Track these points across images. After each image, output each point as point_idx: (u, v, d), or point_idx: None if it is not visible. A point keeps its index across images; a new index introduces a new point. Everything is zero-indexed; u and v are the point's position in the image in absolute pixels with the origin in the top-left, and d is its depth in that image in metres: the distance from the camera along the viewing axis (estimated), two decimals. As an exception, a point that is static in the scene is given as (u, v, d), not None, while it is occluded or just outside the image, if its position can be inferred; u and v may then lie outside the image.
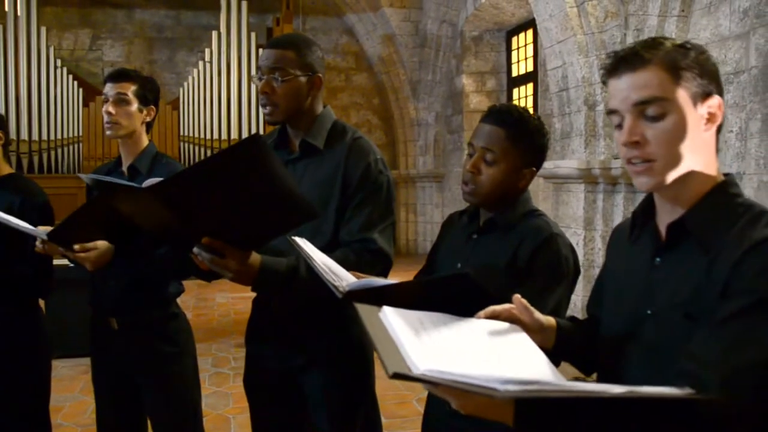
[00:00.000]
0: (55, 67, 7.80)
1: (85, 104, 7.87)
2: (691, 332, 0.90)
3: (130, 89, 1.97)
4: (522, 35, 7.58)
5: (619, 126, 0.98)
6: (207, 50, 8.14)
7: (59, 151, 7.83)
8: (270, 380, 1.72)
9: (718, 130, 0.99)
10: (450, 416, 1.38)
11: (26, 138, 7.68)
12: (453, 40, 8.24)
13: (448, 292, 1.03)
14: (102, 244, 1.78)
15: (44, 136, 7.75)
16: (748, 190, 3.38)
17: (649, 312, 0.99)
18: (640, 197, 4.31)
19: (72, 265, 2.08)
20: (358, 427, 1.67)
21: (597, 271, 4.43)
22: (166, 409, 2.02)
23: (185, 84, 8.17)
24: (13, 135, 7.45)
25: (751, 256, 0.86)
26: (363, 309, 0.92)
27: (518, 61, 7.68)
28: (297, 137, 1.67)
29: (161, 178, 1.21)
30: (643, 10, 4.13)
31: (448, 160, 8.79)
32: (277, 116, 1.61)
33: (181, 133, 8.14)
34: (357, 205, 1.58)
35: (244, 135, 8.11)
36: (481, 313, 1.02)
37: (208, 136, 8.10)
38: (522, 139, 1.42)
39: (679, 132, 0.94)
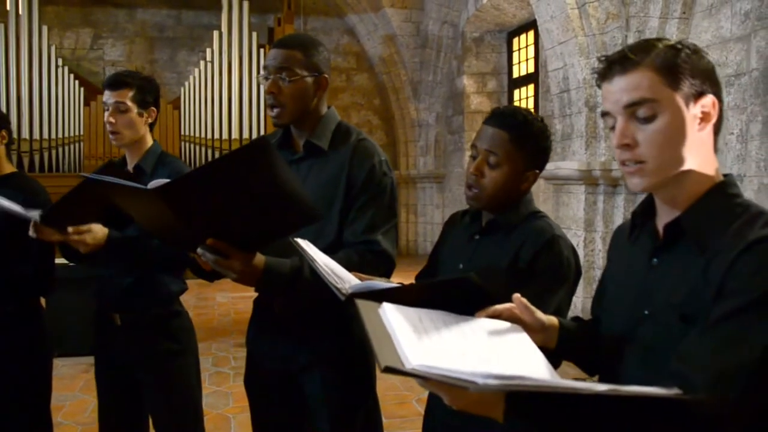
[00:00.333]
0: (57, 66, 7.80)
1: (86, 103, 7.87)
2: (686, 333, 0.90)
3: (128, 96, 1.97)
4: (523, 36, 7.59)
5: (613, 128, 0.98)
6: (208, 50, 8.15)
7: (60, 150, 7.84)
8: (271, 380, 1.73)
9: (717, 129, 0.99)
10: (450, 416, 1.39)
11: (27, 137, 7.69)
12: (454, 41, 8.25)
13: (450, 295, 1.03)
14: (96, 226, 1.78)
15: (45, 135, 7.76)
16: (749, 193, 3.38)
17: (646, 312, 0.99)
18: (640, 199, 4.33)
19: (72, 264, 2.09)
20: (358, 428, 1.68)
21: (597, 272, 4.45)
22: (167, 407, 2.03)
23: (186, 84, 8.17)
24: (14, 134, 7.44)
25: (746, 256, 0.86)
26: (363, 305, 0.94)
27: (519, 63, 7.69)
28: (301, 138, 1.67)
29: (166, 179, 1.21)
30: (644, 12, 4.14)
31: (449, 160, 8.79)
32: (285, 119, 1.62)
33: (182, 133, 8.15)
34: (361, 207, 1.59)
35: (245, 135, 8.11)
36: (483, 312, 1.02)
37: (209, 136, 8.10)
38: (526, 142, 1.41)
39: (671, 133, 0.94)
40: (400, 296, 1.01)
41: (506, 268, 1.38)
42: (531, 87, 7.32)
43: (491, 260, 1.42)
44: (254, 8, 8.28)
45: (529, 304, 1.04)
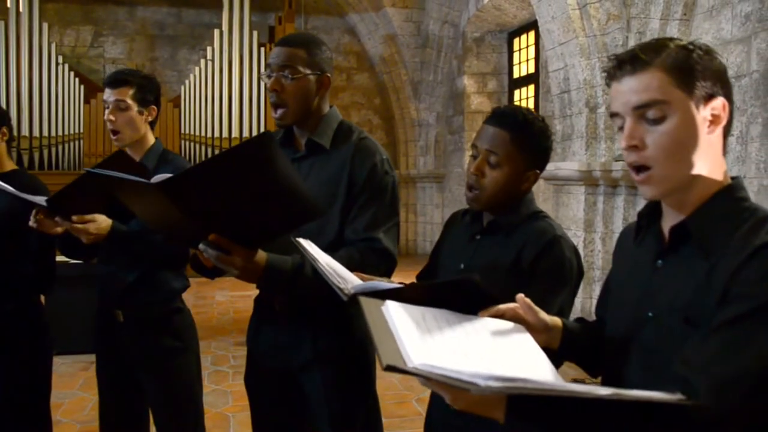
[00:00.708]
0: (57, 64, 7.79)
1: (86, 101, 7.86)
2: (689, 336, 0.89)
3: (128, 94, 1.97)
4: (524, 37, 7.59)
5: (622, 128, 0.96)
6: (209, 48, 8.14)
7: (60, 147, 7.83)
8: (271, 379, 1.73)
9: (726, 132, 0.97)
10: (451, 416, 1.39)
11: (27, 134, 7.68)
12: (455, 41, 8.25)
13: (452, 295, 1.03)
14: (100, 217, 1.79)
15: (45, 133, 7.75)
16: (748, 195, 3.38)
17: (650, 314, 0.98)
18: (640, 199, 4.33)
19: (72, 261, 2.09)
20: (358, 427, 1.68)
21: (597, 273, 4.46)
22: (167, 404, 2.03)
23: (187, 82, 8.17)
24: (14, 131, 7.44)
25: (752, 262, 0.85)
26: (366, 302, 0.93)
27: (520, 63, 7.69)
28: (303, 136, 1.67)
29: (169, 174, 1.21)
30: (645, 13, 4.14)
31: (449, 160, 8.79)
32: (288, 119, 1.62)
33: (183, 131, 8.14)
34: (362, 205, 1.59)
35: (246, 133, 8.11)
36: (486, 311, 1.01)
37: (210, 134, 8.10)
38: (526, 142, 1.41)
39: (680, 135, 0.92)
40: (402, 297, 1.01)
41: (507, 269, 1.38)
42: (531, 87, 7.32)
43: (492, 260, 1.41)
44: (255, 7, 8.28)
45: (533, 305, 1.04)
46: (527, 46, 7.50)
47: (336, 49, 9.27)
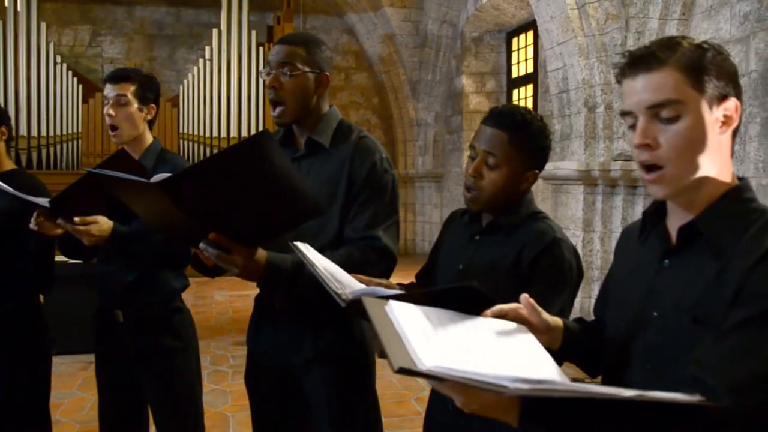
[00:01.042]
0: (55, 63, 7.78)
1: (85, 101, 7.85)
2: (696, 336, 0.89)
3: (129, 90, 1.97)
4: (522, 36, 7.59)
5: (632, 127, 0.96)
6: (207, 48, 8.13)
7: (58, 147, 7.81)
8: (271, 378, 1.73)
9: (734, 133, 0.97)
10: (452, 415, 1.39)
11: (25, 134, 7.66)
12: (453, 41, 8.25)
13: (453, 301, 1.02)
14: (102, 218, 1.79)
15: (43, 132, 7.73)
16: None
17: (655, 314, 0.97)
18: (639, 199, 4.34)
19: (71, 261, 2.09)
20: (359, 427, 1.68)
21: (595, 272, 4.46)
22: (167, 403, 2.03)
23: (185, 81, 8.16)
24: (13, 131, 7.42)
25: (764, 263, 0.85)
26: (369, 302, 0.92)
27: (518, 63, 7.69)
28: (302, 135, 1.67)
29: (169, 174, 1.21)
30: (644, 13, 4.14)
31: (447, 160, 8.79)
32: (287, 117, 1.62)
33: (181, 131, 8.13)
34: (362, 203, 1.59)
35: (244, 133, 8.10)
36: (488, 311, 1.01)
37: (208, 134, 8.09)
38: (525, 142, 1.40)
39: (693, 135, 0.91)
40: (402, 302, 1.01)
41: (507, 270, 1.37)
42: (530, 87, 7.32)
43: (492, 261, 1.41)
44: (254, 6, 8.26)
45: (536, 305, 1.03)
46: (526, 46, 7.50)
47: (334, 49, 9.26)
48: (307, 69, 1.60)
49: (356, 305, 1.08)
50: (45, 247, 2.14)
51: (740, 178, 0.98)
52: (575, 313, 4.04)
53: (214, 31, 8.12)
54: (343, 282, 1.18)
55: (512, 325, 1.00)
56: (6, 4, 7.57)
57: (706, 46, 0.94)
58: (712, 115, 0.93)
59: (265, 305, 1.74)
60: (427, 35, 8.46)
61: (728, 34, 3.70)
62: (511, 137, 1.38)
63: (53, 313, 2.75)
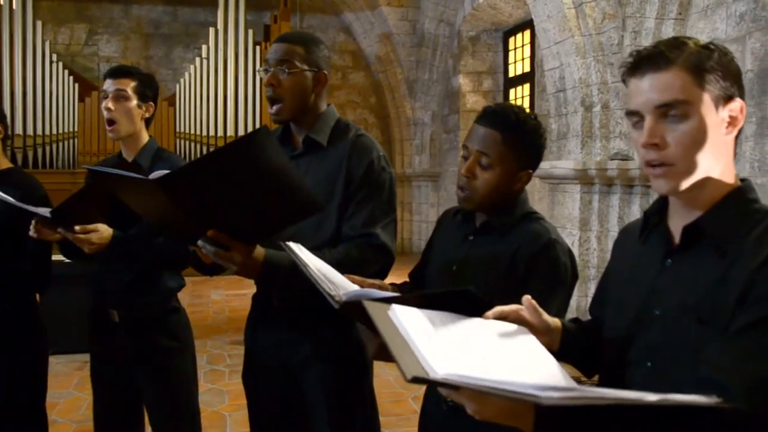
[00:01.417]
0: (51, 62, 7.75)
1: (81, 99, 7.83)
2: (699, 335, 0.89)
3: (130, 86, 1.97)
4: (519, 36, 7.60)
5: (636, 126, 0.95)
6: (204, 47, 8.12)
7: (54, 146, 7.79)
8: (269, 376, 1.73)
9: (738, 134, 0.97)
10: (447, 414, 1.39)
11: (21, 133, 7.64)
12: (450, 40, 8.25)
13: (449, 305, 1.02)
14: (102, 226, 1.80)
15: (39, 131, 7.71)
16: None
17: (657, 313, 0.97)
18: (635, 198, 4.35)
19: (69, 261, 2.08)
20: (357, 425, 1.68)
21: (592, 271, 4.47)
22: (164, 403, 2.03)
23: (182, 80, 8.14)
24: (8, 129, 7.40)
25: None
26: (371, 306, 0.90)
27: (515, 62, 7.70)
28: (300, 134, 1.68)
29: (167, 171, 1.21)
30: (640, 13, 4.15)
31: (444, 159, 8.80)
32: (284, 114, 1.63)
33: (177, 130, 8.12)
34: (360, 201, 1.59)
35: (241, 132, 8.10)
36: (489, 312, 1.00)
37: (205, 133, 8.08)
38: (518, 142, 1.37)
39: (700, 135, 0.92)
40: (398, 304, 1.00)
41: (502, 271, 1.36)
42: (527, 86, 7.33)
43: (486, 262, 1.39)
44: (250, 5, 8.25)
45: (538, 306, 1.02)
46: (523, 45, 7.51)
47: (331, 48, 9.25)
48: (306, 67, 1.61)
49: (350, 307, 1.07)
50: (42, 247, 2.13)
51: (742, 179, 0.99)
52: (572, 313, 4.05)
53: (211, 30, 8.11)
54: (336, 283, 1.17)
55: (513, 326, 0.99)
56: (1, 2, 7.54)
57: (712, 47, 0.95)
58: (718, 116, 0.94)
59: (262, 304, 1.74)
60: (424, 34, 8.46)
61: (724, 33, 3.71)
62: (504, 137, 1.36)
63: (49, 313, 2.74)
